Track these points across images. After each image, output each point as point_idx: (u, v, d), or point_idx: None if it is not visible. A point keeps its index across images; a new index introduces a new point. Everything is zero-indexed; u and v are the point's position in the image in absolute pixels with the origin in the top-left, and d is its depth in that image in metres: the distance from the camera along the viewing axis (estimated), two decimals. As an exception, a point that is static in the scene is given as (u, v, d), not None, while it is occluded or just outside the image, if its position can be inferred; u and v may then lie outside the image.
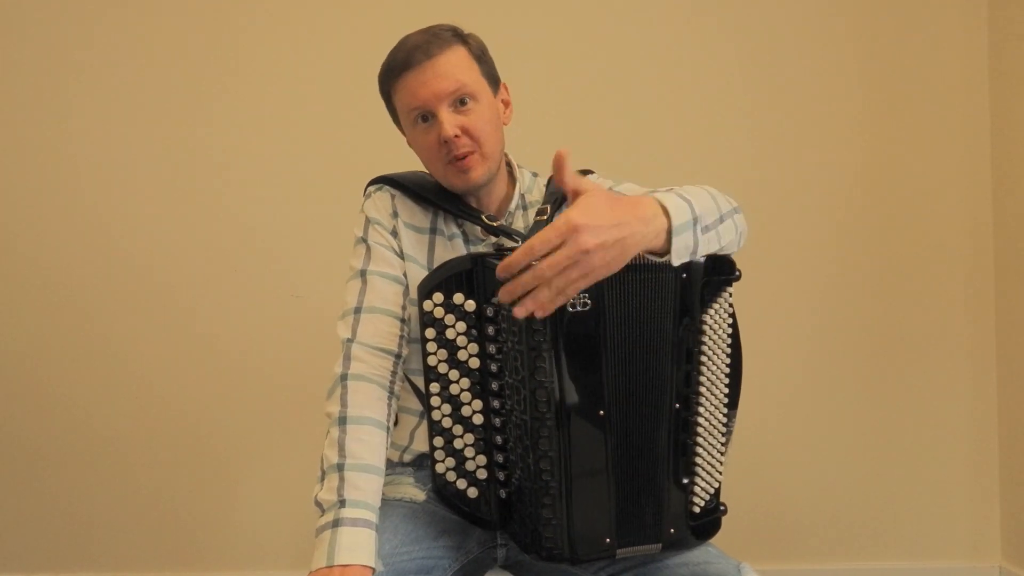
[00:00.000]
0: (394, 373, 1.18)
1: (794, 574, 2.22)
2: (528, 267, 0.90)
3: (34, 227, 2.24)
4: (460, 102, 1.18)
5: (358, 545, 1.03)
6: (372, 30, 2.20)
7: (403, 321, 1.20)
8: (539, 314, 0.91)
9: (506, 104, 1.29)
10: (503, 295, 0.92)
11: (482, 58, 1.23)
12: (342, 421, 1.10)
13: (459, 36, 1.21)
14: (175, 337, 2.23)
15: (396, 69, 1.19)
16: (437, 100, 1.17)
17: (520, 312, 0.90)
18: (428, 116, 1.19)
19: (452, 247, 1.26)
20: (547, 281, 0.89)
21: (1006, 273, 2.17)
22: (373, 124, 2.17)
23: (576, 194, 0.93)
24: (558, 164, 0.93)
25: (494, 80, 1.26)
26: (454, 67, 1.18)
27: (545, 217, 1.24)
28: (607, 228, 0.90)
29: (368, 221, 1.24)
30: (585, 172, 1.34)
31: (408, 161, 1.33)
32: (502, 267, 0.91)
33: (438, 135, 1.17)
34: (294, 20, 2.22)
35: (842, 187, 2.22)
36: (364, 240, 1.23)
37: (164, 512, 2.24)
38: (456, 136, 1.16)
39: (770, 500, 2.22)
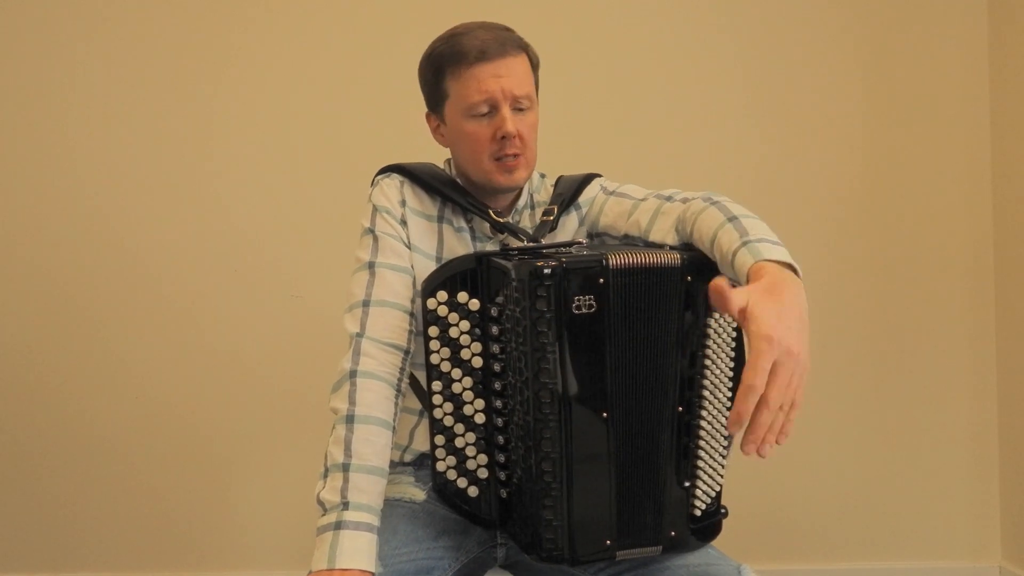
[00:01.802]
0: (402, 370, 1.17)
1: (794, 574, 2.22)
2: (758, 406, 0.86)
3: (32, 227, 2.23)
4: (520, 107, 1.20)
5: (359, 549, 1.03)
6: (370, 30, 2.20)
7: (412, 315, 1.19)
8: (783, 440, 0.90)
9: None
10: (747, 447, 0.88)
11: (536, 69, 1.27)
12: (349, 419, 1.09)
13: (524, 43, 1.24)
14: (174, 337, 2.23)
15: (467, 57, 1.18)
16: (504, 97, 1.18)
17: (768, 452, 0.88)
18: (490, 110, 1.19)
19: (460, 239, 1.26)
20: (778, 409, 0.87)
21: (1006, 273, 2.17)
22: (371, 124, 2.18)
23: (742, 312, 0.89)
24: (719, 297, 0.89)
25: (537, 94, 1.29)
26: (523, 72, 1.21)
27: (551, 218, 1.24)
28: (791, 320, 0.88)
29: (376, 210, 1.23)
30: (592, 176, 1.34)
31: (407, 159, 1.33)
32: (733, 422, 0.87)
33: (496, 129, 1.19)
34: (292, 20, 2.22)
35: (842, 187, 2.22)
36: (372, 231, 1.21)
37: (164, 512, 2.24)
38: (514, 136, 1.18)
39: (770, 501, 2.22)
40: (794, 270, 0.96)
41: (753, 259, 0.96)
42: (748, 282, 0.94)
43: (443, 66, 1.21)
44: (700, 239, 1.07)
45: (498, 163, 1.20)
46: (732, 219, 1.03)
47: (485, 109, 1.19)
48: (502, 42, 1.19)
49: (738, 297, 0.89)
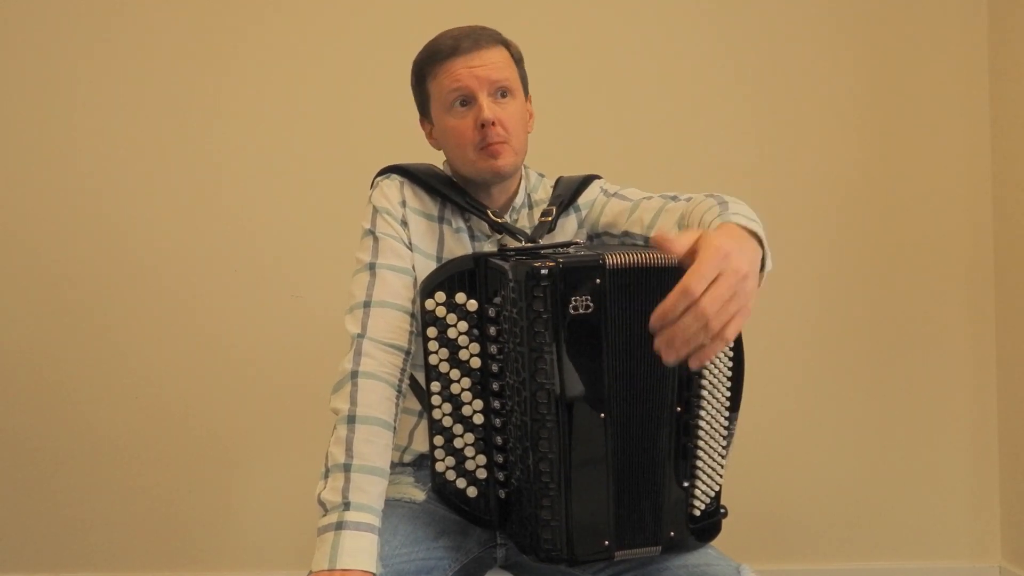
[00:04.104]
0: (403, 371, 1.17)
1: (794, 574, 2.22)
2: (685, 311, 0.82)
3: (35, 226, 2.24)
4: (500, 94, 1.21)
5: (360, 550, 1.03)
6: (371, 31, 2.20)
7: (412, 316, 1.19)
8: (696, 365, 0.85)
9: (530, 115, 1.32)
10: (658, 340, 0.84)
11: (519, 63, 1.28)
12: (351, 420, 1.10)
13: (503, 38, 1.26)
14: (175, 337, 2.23)
15: (442, 53, 1.22)
16: (480, 86, 1.20)
17: (672, 359, 0.83)
18: (468, 100, 1.21)
19: (459, 240, 1.26)
20: (706, 323, 0.82)
21: (1006, 273, 2.17)
22: (373, 125, 2.19)
23: (694, 248, 0.86)
24: (663, 245, 0.87)
25: (526, 87, 1.30)
26: (499, 61, 1.22)
27: (549, 219, 1.25)
28: (748, 250, 0.88)
29: (376, 211, 1.23)
30: (592, 177, 1.34)
31: (408, 160, 1.33)
32: (657, 316, 0.83)
33: (476, 118, 1.19)
34: (294, 21, 2.22)
35: (842, 187, 2.22)
36: (372, 232, 1.22)
37: (164, 512, 2.24)
38: (493, 123, 1.19)
39: (770, 500, 2.22)
40: (761, 242, 0.96)
41: (721, 221, 0.97)
42: None
43: (423, 69, 1.25)
44: (691, 226, 1.08)
45: (482, 151, 1.21)
46: (722, 203, 1.04)
47: (463, 100, 1.21)
48: (476, 37, 1.21)
49: (685, 237, 0.87)
